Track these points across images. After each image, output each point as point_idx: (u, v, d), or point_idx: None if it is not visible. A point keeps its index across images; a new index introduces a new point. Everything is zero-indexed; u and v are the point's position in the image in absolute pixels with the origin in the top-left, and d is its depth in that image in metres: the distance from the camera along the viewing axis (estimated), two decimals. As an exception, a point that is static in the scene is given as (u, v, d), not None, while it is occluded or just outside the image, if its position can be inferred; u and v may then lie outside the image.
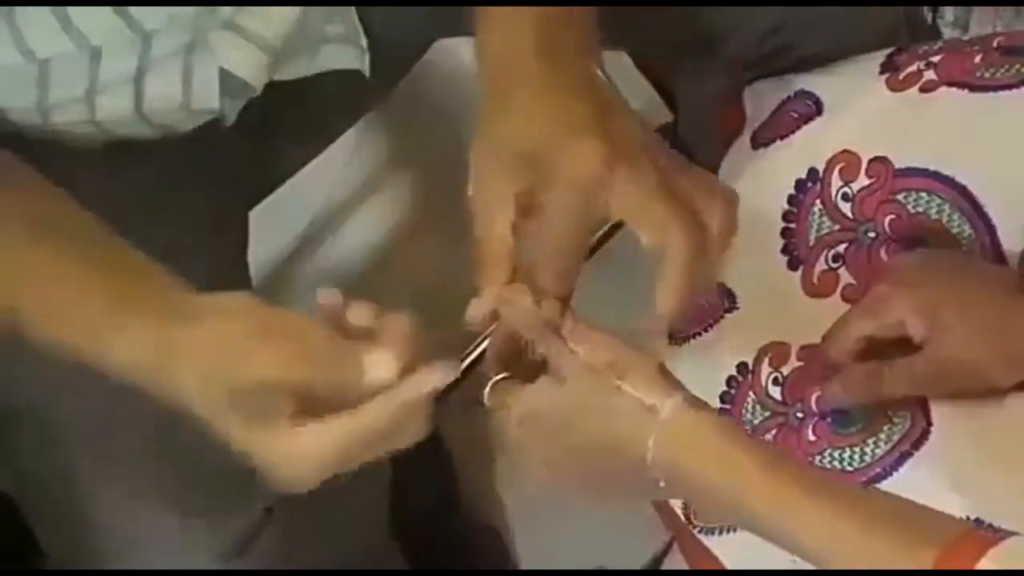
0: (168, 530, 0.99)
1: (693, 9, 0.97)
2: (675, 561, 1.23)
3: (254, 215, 1.12)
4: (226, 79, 0.90)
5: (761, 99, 0.99)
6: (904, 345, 0.84)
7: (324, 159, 1.19)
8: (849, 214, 0.91)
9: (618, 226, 0.79)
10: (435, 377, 0.72)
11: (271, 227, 1.24)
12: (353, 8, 0.99)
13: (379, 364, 0.71)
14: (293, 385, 0.72)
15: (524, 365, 0.77)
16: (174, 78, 0.88)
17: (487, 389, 0.77)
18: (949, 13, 1.39)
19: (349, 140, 1.22)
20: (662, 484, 0.70)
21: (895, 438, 0.85)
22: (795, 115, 0.95)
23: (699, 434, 0.69)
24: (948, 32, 1.40)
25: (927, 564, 0.61)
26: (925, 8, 1.38)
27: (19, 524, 1.09)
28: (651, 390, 0.70)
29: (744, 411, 0.91)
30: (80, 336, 0.75)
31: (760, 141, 0.97)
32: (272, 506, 1.03)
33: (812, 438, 0.87)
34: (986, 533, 0.62)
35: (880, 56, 0.95)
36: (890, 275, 0.87)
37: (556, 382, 0.74)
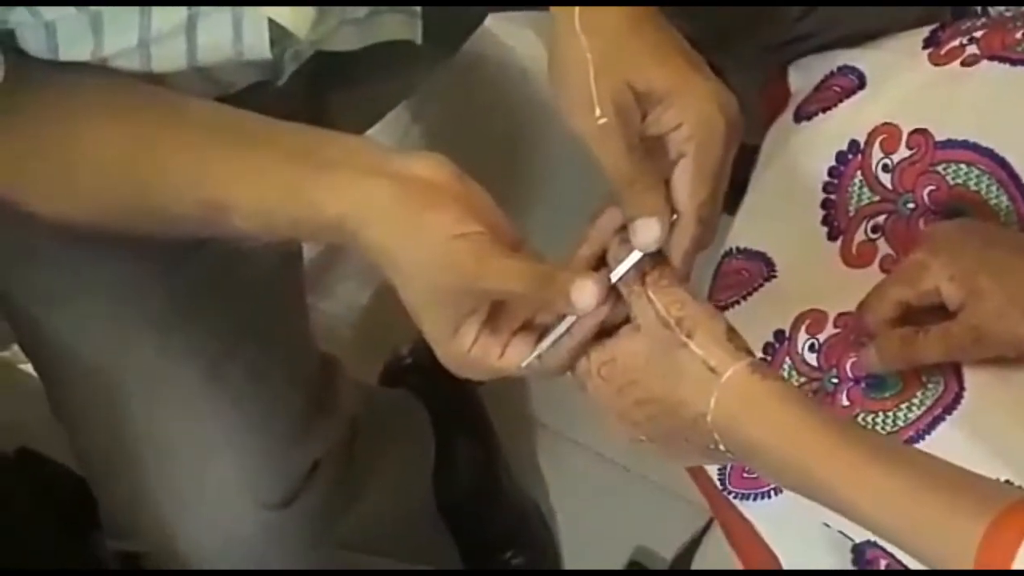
0: (218, 475, 1.01)
1: None
2: (714, 540, 1.23)
3: None
4: (272, 29, 0.90)
5: (807, 75, 1.01)
6: (939, 312, 0.84)
7: (376, 133, 1.19)
8: (889, 185, 0.92)
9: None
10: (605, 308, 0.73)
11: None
12: None
13: (584, 291, 0.72)
14: (496, 294, 0.73)
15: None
16: (225, 28, 0.88)
17: None
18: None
19: (402, 115, 1.22)
20: (722, 447, 0.71)
21: (928, 402, 0.85)
22: (838, 89, 0.97)
23: (759, 399, 0.70)
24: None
25: (980, 532, 0.61)
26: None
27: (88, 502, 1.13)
28: (716, 351, 0.71)
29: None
30: (288, 199, 0.76)
31: (803, 114, 0.98)
32: (319, 459, 1.05)
33: (845, 403, 0.88)
34: None
35: (924, 31, 0.96)
36: (926, 243, 0.87)
37: (633, 332, 0.74)
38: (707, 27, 1.04)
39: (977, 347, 0.83)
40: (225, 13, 0.87)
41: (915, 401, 0.85)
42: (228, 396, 1.00)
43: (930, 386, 0.86)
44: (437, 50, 1.08)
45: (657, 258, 0.75)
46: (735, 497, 0.92)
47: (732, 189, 0.79)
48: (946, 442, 0.82)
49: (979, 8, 1.31)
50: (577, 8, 0.77)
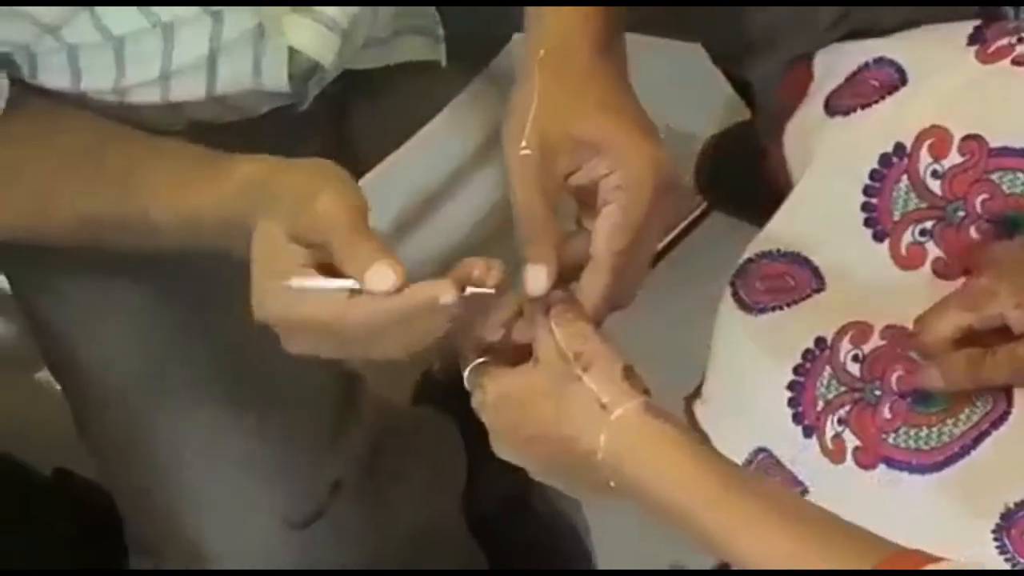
0: (242, 494, 1.02)
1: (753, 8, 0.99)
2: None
3: None
4: (297, 60, 0.93)
5: (833, 61, 0.96)
6: (1001, 331, 0.82)
7: (403, 153, 1.19)
8: (938, 192, 0.88)
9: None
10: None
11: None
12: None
13: (378, 276, 0.73)
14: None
15: (511, 350, 0.78)
16: (245, 62, 0.91)
17: (466, 371, 0.78)
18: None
19: (428, 135, 1.23)
20: (612, 484, 0.71)
21: (975, 418, 0.83)
22: (876, 83, 0.92)
23: (648, 439, 0.70)
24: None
25: None
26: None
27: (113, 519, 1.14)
28: (609, 388, 0.71)
29: (819, 384, 0.89)
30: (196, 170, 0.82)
31: (837, 108, 0.94)
32: (342, 477, 1.05)
33: (888, 415, 0.86)
34: (920, 554, 0.63)
35: (967, 27, 0.91)
36: (990, 267, 0.85)
37: (531, 366, 0.75)
38: (732, 40, 1.06)
39: None
40: (247, 46, 0.89)
41: (962, 417, 0.84)
42: (251, 416, 1.00)
43: (978, 403, 0.84)
44: (461, 70, 1.10)
45: (570, 297, 0.76)
46: None
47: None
48: (987, 458, 0.81)
49: (1012, 10, 1.28)
50: (543, 47, 0.79)
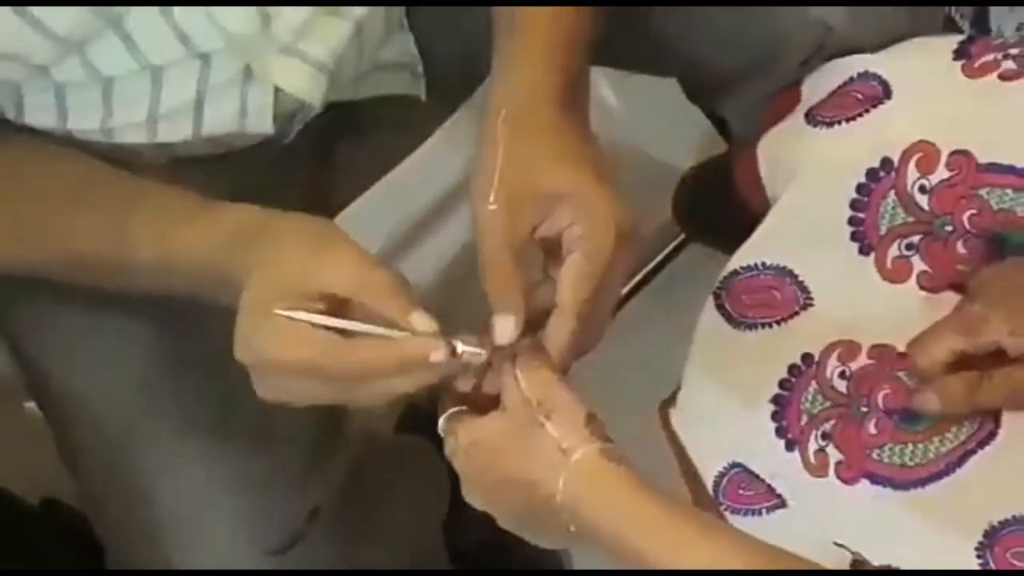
0: (218, 521, 1.01)
1: (735, 34, 1.00)
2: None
3: None
4: (282, 100, 0.94)
5: (819, 82, 0.96)
6: (994, 354, 0.83)
7: (384, 185, 1.21)
8: (925, 207, 0.88)
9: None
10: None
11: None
12: (410, 35, 1.03)
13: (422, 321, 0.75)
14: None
15: (482, 399, 0.80)
16: (231, 104, 0.92)
17: (441, 419, 0.80)
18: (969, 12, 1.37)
19: (410, 166, 1.25)
20: (572, 528, 0.73)
21: (962, 437, 0.83)
22: (860, 96, 0.92)
23: (605, 482, 0.72)
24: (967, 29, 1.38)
25: None
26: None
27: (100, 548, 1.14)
28: (570, 433, 0.73)
29: (804, 399, 0.89)
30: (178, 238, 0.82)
31: (819, 119, 0.93)
32: (319, 505, 1.04)
33: (873, 432, 0.86)
34: None
35: (951, 42, 0.91)
36: (983, 293, 0.85)
37: (499, 413, 0.77)
38: (709, 76, 1.08)
39: None
40: (234, 89, 0.91)
41: (948, 435, 0.84)
42: (230, 444, 1.00)
43: (966, 423, 0.84)
44: (440, 105, 1.11)
45: (536, 345, 0.78)
46: (727, 510, 0.91)
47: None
48: (972, 477, 0.81)
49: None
50: (505, 105, 0.81)
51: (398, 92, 1.05)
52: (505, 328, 0.77)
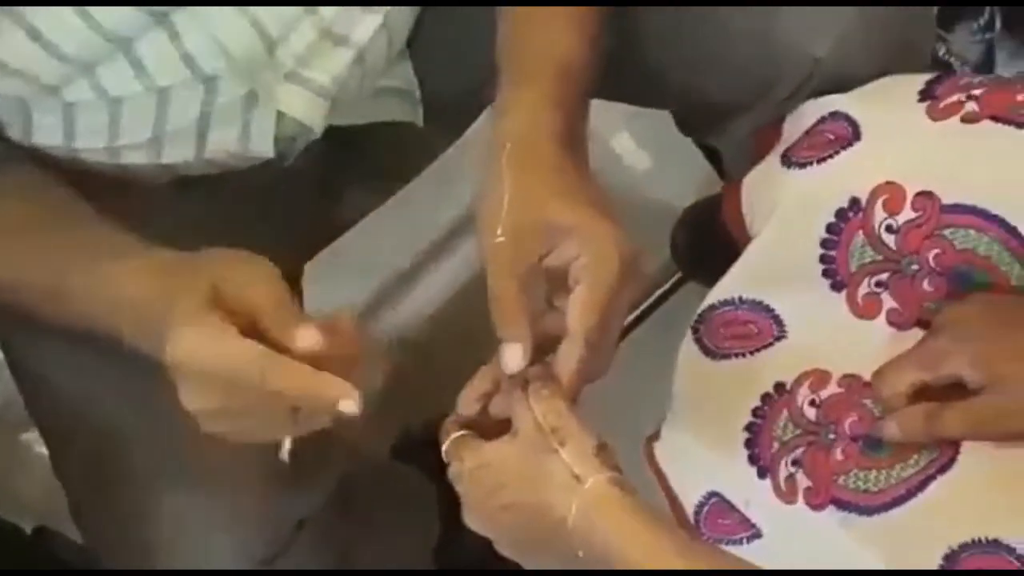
0: (206, 530, 1.02)
1: (729, 63, 1.02)
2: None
3: (310, 267, 1.16)
4: (284, 124, 0.97)
5: (797, 121, 0.99)
6: (954, 386, 0.85)
7: (382, 213, 1.23)
8: (892, 246, 0.91)
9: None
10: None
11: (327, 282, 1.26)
12: (409, 62, 1.05)
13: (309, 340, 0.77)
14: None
15: (488, 424, 0.83)
16: (234, 127, 0.95)
17: (446, 443, 0.84)
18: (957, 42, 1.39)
19: (410, 194, 1.26)
20: (580, 554, 0.75)
21: (923, 463, 0.85)
22: (831, 136, 0.95)
23: (617, 510, 0.75)
24: (957, 66, 1.39)
25: None
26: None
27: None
28: (583, 462, 0.76)
29: (775, 427, 0.92)
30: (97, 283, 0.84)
31: (793, 160, 0.96)
32: (306, 518, 1.07)
33: (840, 457, 0.88)
34: None
35: (918, 82, 0.94)
36: (946, 329, 0.88)
37: (510, 438, 0.80)
38: (702, 108, 1.11)
39: (1000, 425, 0.84)
40: (237, 112, 0.93)
41: (910, 462, 0.86)
42: (216, 456, 0.98)
43: (925, 450, 0.86)
44: (438, 132, 1.14)
45: (546, 372, 0.81)
46: (708, 540, 0.92)
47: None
48: (934, 500, 0.83)
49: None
50: (509, 140, 0.84)
51: (396, 119, 1.08)
52: (514, 357, 0.80)
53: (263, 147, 0.97)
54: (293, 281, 1.07)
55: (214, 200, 1.02)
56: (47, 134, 0.92)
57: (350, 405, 0.76)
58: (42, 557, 1.34)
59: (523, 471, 0.78)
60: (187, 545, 1.02)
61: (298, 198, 1.09)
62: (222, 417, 0.80)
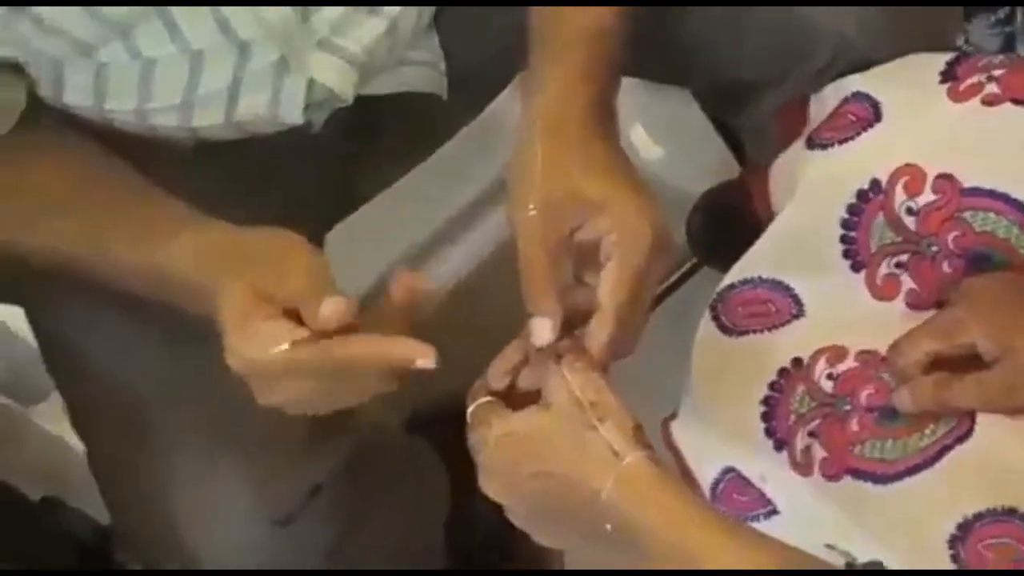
0: (225, 492, 1.03)
1: (762, 39, 1.03)
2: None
3: (330, 237, 1.16)
4: (313, 91, 0.97)
5: (823, 103, 1.00)
6: (970, 358, 0.86)
7: (403, 185, 1.23)
8: (912, 228, 0.92)
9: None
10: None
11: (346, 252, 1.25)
12: (436, 35, 1.06)
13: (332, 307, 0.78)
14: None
15: (514, 395, 0.84)
16: (264, 93, 0.95)
17: (472, 407, 0.84)
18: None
19: (430, 168, 1.27)
20: (609, 527, 0.76)
21: (940, 433, 0.86)
22: (853, 117, 0.96)
23: (652, 485, 0.75)
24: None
25: None
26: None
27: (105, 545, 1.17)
28: (621, 439, 0.77)
29: (792, 400, 0.93)
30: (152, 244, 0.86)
31: (816, 142, 0.97)
32: (321, 484, 1.07)
33: (855, 428, 0.89)
34: None
35: (939, 63, 0.95)
36: (963, 299, 0.89)
37: (542, 409, 0.80)
38: (725, 85, 1.11)
39: (1010, 398, 0.85)
40: (269, 78, 0.94)
41: (927, 432, 0.87)
42: (235, 421, 1.01)
43: (944, 420, 0.87)
44: (462, 104, 1.14)
45: (578, 345, 0.81)
46: None
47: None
48: (949, 470, 0.84)
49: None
50: (541, 115, 0.84)
51: (421, 89, 1.08)
52: (543, 330, 0.81)
53: (292, 114, 0.97)
54: None
55: (238, 165, 1.02)
56: (78, 93, 0.93)
57: (428, 362, 0.78)
58: (48, 525, 1.35)
59: (557, 442, 0.78)
60: (203, 505, 1.03)
61: (320, 167, 1.09)
62: (307, 402, 0.83)
